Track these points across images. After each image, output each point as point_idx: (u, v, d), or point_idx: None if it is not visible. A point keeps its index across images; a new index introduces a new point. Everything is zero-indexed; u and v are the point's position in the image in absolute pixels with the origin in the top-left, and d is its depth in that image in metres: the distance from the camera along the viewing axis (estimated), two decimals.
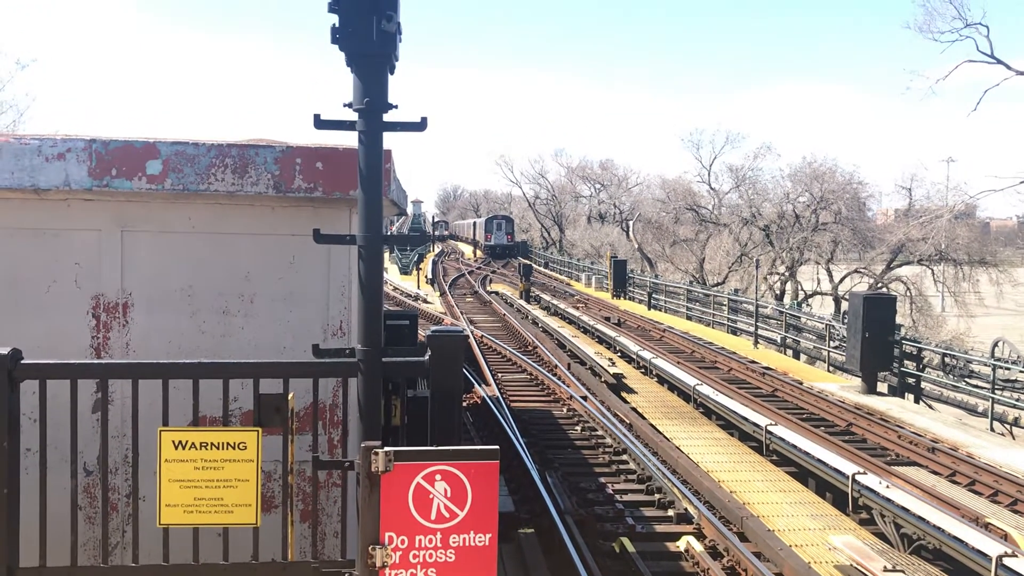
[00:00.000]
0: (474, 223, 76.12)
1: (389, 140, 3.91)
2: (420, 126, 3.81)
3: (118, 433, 4.99)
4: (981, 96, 38.28)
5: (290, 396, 3.94)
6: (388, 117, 3.80)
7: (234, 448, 3.80)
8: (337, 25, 3.65)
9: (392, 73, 3.80)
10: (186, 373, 4.02)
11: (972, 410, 17.92)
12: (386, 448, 3.41)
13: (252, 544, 3.98)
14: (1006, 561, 8.54)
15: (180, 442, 3.79)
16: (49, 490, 3.98)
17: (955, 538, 9.35)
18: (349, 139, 3.96)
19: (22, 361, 3.90)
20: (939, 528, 9.63)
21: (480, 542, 3.47)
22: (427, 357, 4.03)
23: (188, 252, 5.43)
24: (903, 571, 8.61)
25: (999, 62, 30.72)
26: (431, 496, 3.43)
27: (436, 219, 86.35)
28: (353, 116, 3.78)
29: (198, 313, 5.44)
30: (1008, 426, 17.08)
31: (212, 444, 3.80)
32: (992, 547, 8.86)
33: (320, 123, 3.77)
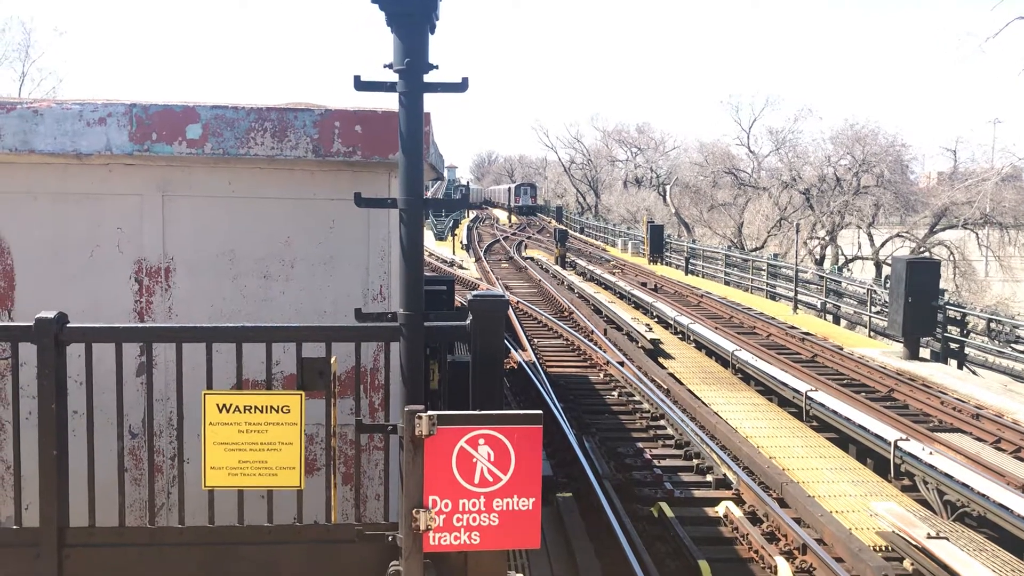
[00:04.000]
0: (508, 188, 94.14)
1: (426, 104, 3.86)
2: (461, 87, 3.74)
3: (162, 396, 5.03)
4: None
5: (333, 360, 3.94)
6: (428, 78, 3.74)
7: (277, 411, 3.82)
8: None
9: (433, 33, 3.73)
10: (229, 337, 4.03)
11: (1019, 376, 17.60)
12: (430, 412, 3.39)
13: (296, 506, 4.00)
14: None
15: (224, 405, 3.80)
16: (96, 452, 4.03)
17: (1000, 505, 9.22)
18: (388, 102, 3.91)
19: (68, 325, 3.93)
20: (984, 495, 9.50)
21: (524, 506, 3.46)
22: (468, 321, 4.00)
23: (229, 217, 5.43)
24: (947, 538, 8.51)
25: None
26: (474, 460, 3.42)
27: (458, 184, 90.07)
28: (393, 77, 3.72)
29: (239, 277, 5.46)
30: None
31: (256, 407, 3.81)
32: None
33: (360, 84, 3.72)
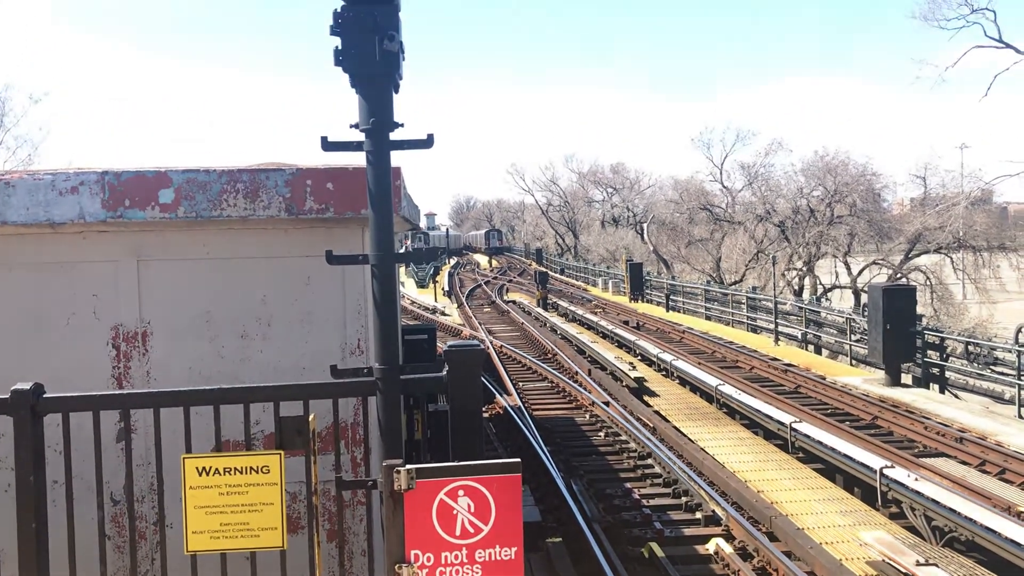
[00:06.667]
0: (482, 233, 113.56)
1: (399, 156, 3.93)
2: (427, 143, 3.82)
3: (142, 461, 5.02)
4: (991, 81, 37.97)
5: (311, 417, 3.95)
6: (395, 135, 3.82)
7: (258, 472, 3.82)
8: (340, 47, 3.67)
9: (397, 92, 3.81)
10: (207, 399, 4.04)
11: (999, 398, 17.72)
12: (408, 466, 3.41)
13: (280, 566, 3.98)
14: None
15: (204, 468, 3.80)
16: (77, 521, 4.00)
17: (988, 528, 9.24)
18: (358, 158, 3.99)
19: (44, 395, 3.93)
20: (971, 519, 9.53)
21: (506, 556, 3.47)
22: (445, 372, 4.03)
23: (204, 278, 5.47)
24: (936, 564, 8.52)
25: (1008, 46, 30.45)
26: (455, 512, 3.43)
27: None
28: (360, 137, 3.80)
29: (216, 338, 5.47)
30: None
31: (236, 469, 3.81)
32: None
33: (327, 145, 3.79)
